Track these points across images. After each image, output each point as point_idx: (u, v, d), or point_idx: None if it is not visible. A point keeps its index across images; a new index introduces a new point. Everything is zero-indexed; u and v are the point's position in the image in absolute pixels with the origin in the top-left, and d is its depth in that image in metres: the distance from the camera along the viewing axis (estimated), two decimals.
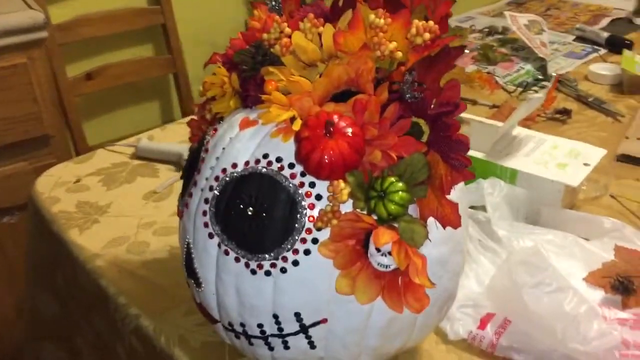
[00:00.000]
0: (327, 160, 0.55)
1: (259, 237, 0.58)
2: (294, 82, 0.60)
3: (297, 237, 0.57)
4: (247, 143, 0.60)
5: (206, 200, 0.61)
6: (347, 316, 0.60)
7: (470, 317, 0.75)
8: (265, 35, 0.63)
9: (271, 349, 0.63)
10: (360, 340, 0.62)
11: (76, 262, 0.90)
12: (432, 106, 0.57)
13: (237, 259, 0.59)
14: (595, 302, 0.74)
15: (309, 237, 0.57)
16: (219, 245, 0.60)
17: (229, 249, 0.60)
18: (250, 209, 0.58)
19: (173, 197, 1.02)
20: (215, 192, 0.60)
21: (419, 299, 0.56)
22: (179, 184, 0.73)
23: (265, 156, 0.59)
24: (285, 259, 0.58)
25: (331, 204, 0.56)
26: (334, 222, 0.56)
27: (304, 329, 0.61)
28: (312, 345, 0.62)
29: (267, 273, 0.59)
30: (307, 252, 0.57)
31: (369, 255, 0.57)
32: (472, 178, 0.57)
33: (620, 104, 1.27)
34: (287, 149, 0.58)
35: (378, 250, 0.56)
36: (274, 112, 0.59)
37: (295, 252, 0.58)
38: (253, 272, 0.59)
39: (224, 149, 0.62)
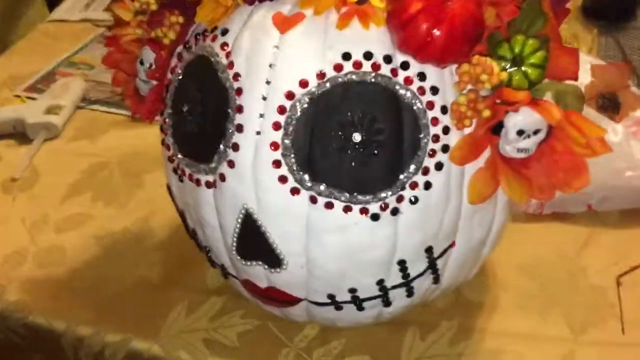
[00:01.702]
0: (461, 33, 0.40)
1: (374, 170, 0.42)
2: None
3: (423, 156, 0.42)
4: (306, 46, 0.42)
5: (274, 146, 0.42)
6: (475, 228, 0.48)
7: None
8: None
9: (388, 304, 0.48)
10: (478, 254, 0.51)
11: None
12: None
13: (347, 209, 0.42)
14: None
15: (438, 146, 0.43)
16: (311, 199, 0.42)
17: (331, 199, 0.42)
18: (356, 135, 0.41)
19: (46, 175, 0.76)
20: (291, 127, 0.41)
21: (580, 172, 0.45)
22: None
23: (347, 57, 0.41)
24: (414, 185, 0.43)
25: (470, 95, 0.41)
26: (486, 112, 0.41)
27: (432, 264, 0.47)
28: (436, 280, 0.49)
29: (394, 211, 0.43)
30: (438, 166, 0.43)
31: (501, 144, 0.44)
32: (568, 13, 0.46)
33: None
34: (372, 39, 0.41)
35: (521, 133, 0.43)
36: None
37: (426, 171, 0.43)
38: (375, 217, 0.43)
39: (271, 65, 0.42)
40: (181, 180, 0.48)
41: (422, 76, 0.42)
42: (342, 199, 0.42)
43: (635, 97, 0.62)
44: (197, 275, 0.62)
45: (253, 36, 0.43)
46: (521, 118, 0.43)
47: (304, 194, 0.42)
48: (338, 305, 0.48)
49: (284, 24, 0.42)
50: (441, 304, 0.57)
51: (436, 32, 0.39)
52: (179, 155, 0.48)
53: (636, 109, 0.63)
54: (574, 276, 0.60)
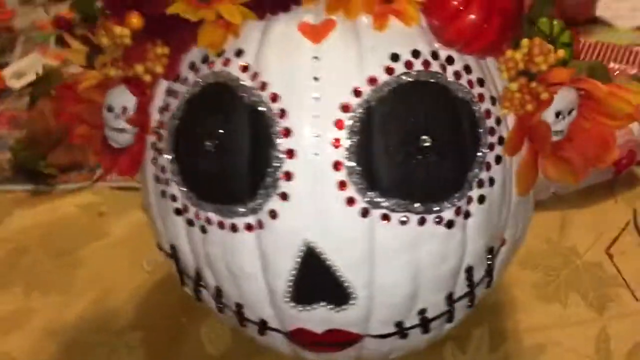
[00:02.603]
0: (512, 20, 0.38)
1: (444, 174, 0.39)
2: None
3: (484, 152, 0.40)
4: (347, 53, 0.38)
5: (337, 166, 0.37)
6: (518, 223, 0.46)
7: None
8: None
9: (451, 319, 0.45)
10: (515, 251, 0.49)
11: None
12: None
13: (422, 221, 0.39)
14: None
15: (495, 139, 0.40)
16: (383, 217, 0.38)
17: (406, 214, 0.38)
18: (424, 139, 0.37)
19: None
20: (352, 142, 0.37)
21: (609, 145, 0.45)
22: None
23: (396, 58, 0.38)
24: (481, 184, 0.40)
25: (527, 80, 0.39)
26: (545, 94, 0.40)
27: (489, 266, 0.44)
28: (489, 283, 0.46)
29: (466, 214, 0.40)
30: (498, 159, 0.41)
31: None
32: None
33: None
34: (415, 36, 0.38)
35: (558, 114, 0.43)
36: None
37: (488, 166, 0.40)
38: (449, 224, 0.39)
39: (316, 78, 0.37)
40: (204, 231, 0.41)
41: (467, 69, 0.39)
42: (418, 210, 0.38)
43: None
44: (194, 347, 0.54)
45: (282, 51, 0.38)
46: (560, 99, 0.42)
47: (375, 214, 0.38)
48: (404, 333, 0.43)
49: (315, 33, 0.38)
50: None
51: (489, 22, 0.37)
52: (199, 202, 0.41)
53: None
54: (568, 258, 0.60)
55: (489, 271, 0.45)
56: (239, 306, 0.44)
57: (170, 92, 0.42)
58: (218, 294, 0.44)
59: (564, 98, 0.42)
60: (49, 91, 0.81)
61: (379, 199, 0.38)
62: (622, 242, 0.61)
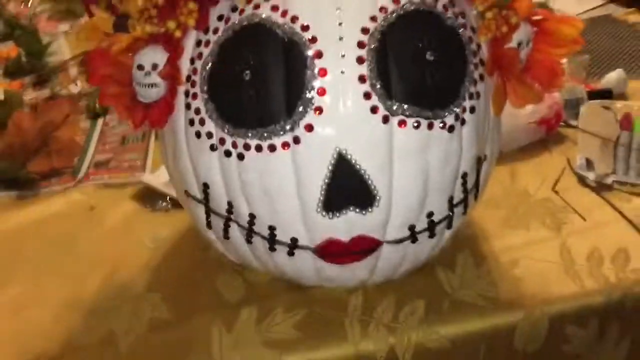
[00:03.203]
0: None
1: (445, 85, 0.47)
2: None
3: (472, 69, 0.49)
4: None
5: (362, 79, 0.45)
6: (494, 142, 0.55)
7: None
8: None
9: (450, 225, 0.53)
10: (492, 170, 0.58)
11: None
12: None
13: (430, 125, 0.47)
14: None
15: (477, 60, 0.50)
16: (400, 123, 0.46)
17: (418, 119, 0.46)
18: (429, 55, 0.46)
19: None
20: (372, 59, 0.45)
21: (558, 72, 0.55)
22: None
23: None
24: (471, 96, 0.49)
25: (498, 10, 0.49)
26: (514, 19, 0.49)
27: (477, 176, 0.53)
28: (476, 196, 0.55)
29: (462, 121, 0.48)
30: (481, 77, 0.50)
31: None
32: None
33: None
34: None
35: (519, 44, 0.53)
36: None
37: (475, 82, 0.49)
38: (451, 129, 0.48)
39: (338, 9, 0.45)
40: (241, 158, 0.47)
41: (452, 4, 0.49)
42: (428, 115, 0.46)
43: None
44: (212, 297, 0.58)
45: None
46: (520, 31, 0.52)
47: (393, 120, 0.46)
48: (415, 237, 0.50)
49: None
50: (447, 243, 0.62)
51: None
52: (238, 131, 0.47)
53: None
54: (523, 197, 0.70)
55: (477, 182, 0.53)
56: (272, 228, 0.50)
57: (199, 43, 0.49)
58: (251, 220, 0.50)
59: (523, 30, 0.52)
60: (12, 112, 0.85)
61: (396, 107, 0.46)
62: (563, 182, 0.72)
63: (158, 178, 0.74)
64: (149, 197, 0.72)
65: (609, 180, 0.71)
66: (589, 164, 0.73)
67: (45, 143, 0.78)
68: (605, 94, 0.85)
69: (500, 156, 0.75)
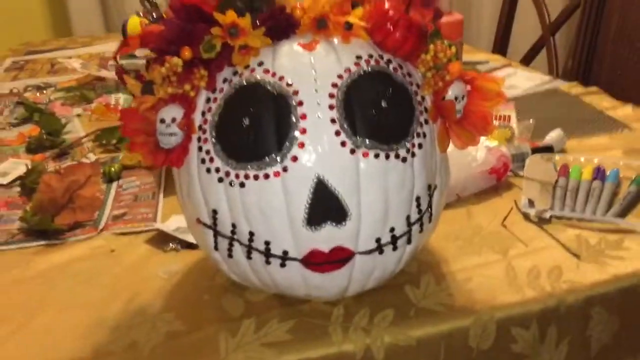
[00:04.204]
0: (419, 35, 0.63)
1: (398, 125, 0.62)
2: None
3: (419, 114, 0.63)
4: (330, 55, 0.62)
5: (333, 121, 0.59)
6: (443, 175, 0.69)
7: None
8: None
9: (410, 240, 0.66)
10: (443, 200, 0.71)
11: None
12: None
13: (387, 156, 0.61)
14: None
15: (422, 108, 0.64)
16: (363, 154, 0.60)
17: (377, 151, 0.60)
18: (384, 103, 0.61)
19: None
20: (341, 107, 0.59)
21: (489, 121, 0.70)
22: None
23: (359, 57, 0.62)
24: (419, 135, 0.63)
25: (436, 71, 0.64)
26: (448, 76, 0.64)
27: (430, 201, 0.66)
28: (430, 218, 0.68)
29: (412, 154, 0.63)
30: (426, 121, 0.64)
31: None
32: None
33: None
34: (367, 46, 0.63)
35: (456, 99, 0.68)
36: (336, 21, 0.62)
37: (421, 124, 0.64)
38: (404, 159, 0.62)
39: (315, 70, 0.60)
40: (243, 186, 0.61)
41: (401, 66, 0.64)
42: (384, 148, 0.61)
43: None
44: (217, 312, 0.70)
45: (290, 58, 0.61)
46: (455, 87, 0.67)
47: (359, 152, 0.60)
48: (381, 249, 0.63)
49: (309, 47, 0.62)
50: (413, 268, 0.75)
51: (408, 39, 0.63)
52: (239, 164, 0.61)
53: None
54: (477, 229, 0.83)
55: (429, 205, 0.67)
56: (267, 243, 0.62)
57: (209, 100, 0.63)
58: (251, 237, 0.63)
59: (458, 87, 0.67)
60: (39, 179, 0.99)
61: (360, 142, 0.60)
62: (510, 219, 0.85)
63: (168, 227, 0.87)
64: (161, 240, 0.85)
65: (547, 214, 0.84)
66: (531, 203, 0.87)
67: (71, 200, 0.91)
68: (547, 150, 1.00)
69: (458, 200, 0.90)
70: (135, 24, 1.79)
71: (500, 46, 1.94)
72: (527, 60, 1.86)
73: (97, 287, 0.78)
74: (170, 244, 0.84)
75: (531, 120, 1.07)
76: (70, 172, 0.93)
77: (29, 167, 1.04)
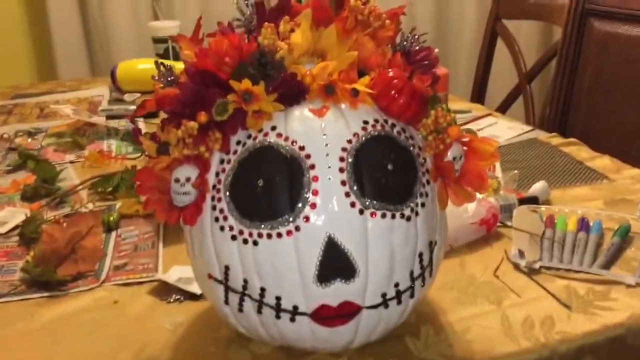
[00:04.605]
0: (421, 101, 0.67)
1: (403, 187, 0.65)
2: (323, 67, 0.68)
3: (422, 175, 0.67)
4: (339, 120, 0.65)
5: (344, 183, 0.63)
6: (443, 231, 0.73)
7: None
8: (265, 42, 0.67)
9: (413, 294, 0.69)
10: (442, 254, 0.75)
11: None
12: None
13: (393, 216, 0.64)
14: None
15: (425, 169, 0.68)
16: (371, 214, 0.63)
17: (384, 211, 0.64)
18: (390, 166, 0.64)
19: None
20: (350, 169, 0.63)
21: (484, 179, 0.74)
22: None
23: (366, 122, 0.66)
24: (422, 195, 0.67)
25: (436, 134, 0.68)
26: (448, 139, 0.68)
27: (431, 257, 0.70)
28: (431, 273, 0.71)
29: (416, 213, 0.66)
30: (428, 181, 0.68)
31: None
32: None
33: None
34: (373, 111, 0.67)
35: (454, 159, 0.72)
36: (343, 88, 0.66)
37: (424, 185, 0.67)
38: (409, 219, 0.65)
39: (325, 135, 0.64)
40: (256, 244, 0.64)
41: (404, 130, 0.68)
42: (391, 208, 0.64)
43: None
44: None
45: (302, 123, 0.65)
46: (454, 149, 0.71)
47: (367, 212, 0.63)
48: (387, 304, 0.66)
49: (319, 112, 0.65)
50: (412, 319, 0.78)
51: (410, 105, 0.67)
52: (254, 224, 0.63)
53: None
54: (471, 280, 0.87)
55: (431, 260, 0.70)
56: (278, 298, 0.65)
57: (223, 161, 0.66)
58: (262, 293, 0.65)
59: (456, 148, 0.71)
60: (38, 228, 1.00)
61: (368, 202, 0.63)
62: (502, 269, 0.89)
63: (170, 277, 0.89)
64: (163, 291, 0.87)
65: (537, 265, 0.88)
66: (521, 254, 0.90)
67: (74, 250, 0.92)
68: (533, 201, 1.04)
69: (451, 250, 0.93)
70: (124, 69, 1.82)
71: (478, 95, 2.01)
72: (503, 109, 1.93)
73: (103, 338, 0.79)
74: (174, 295, 0.86)
75: (516, 171, 1.12)
76: (73, 223, 0.95)
77: (28, 215, 1.06)
